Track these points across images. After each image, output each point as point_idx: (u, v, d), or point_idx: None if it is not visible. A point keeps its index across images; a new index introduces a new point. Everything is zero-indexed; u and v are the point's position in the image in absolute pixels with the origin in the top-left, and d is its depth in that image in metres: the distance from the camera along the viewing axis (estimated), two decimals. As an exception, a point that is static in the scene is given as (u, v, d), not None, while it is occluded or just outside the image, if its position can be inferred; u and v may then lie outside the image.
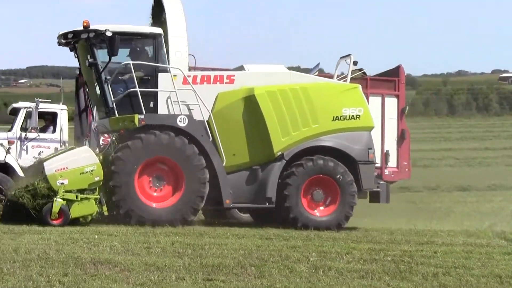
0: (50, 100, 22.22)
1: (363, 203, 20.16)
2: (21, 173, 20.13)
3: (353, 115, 19.14)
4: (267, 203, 18.70)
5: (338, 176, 18.73)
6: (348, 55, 19.93)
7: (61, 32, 18.60)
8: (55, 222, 17.02)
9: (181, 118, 18.28)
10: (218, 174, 18.35)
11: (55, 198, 17.08)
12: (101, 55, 18.45)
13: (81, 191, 17.46)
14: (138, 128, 18.09)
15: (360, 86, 19.60)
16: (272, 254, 13.37)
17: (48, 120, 21.78)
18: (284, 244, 15.05)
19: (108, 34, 17.88)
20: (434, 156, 51.47)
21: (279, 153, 18.72)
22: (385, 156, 22.21)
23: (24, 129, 21.22)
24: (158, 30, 18.72)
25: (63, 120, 21.65)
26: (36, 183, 17.46)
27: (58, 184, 17.27)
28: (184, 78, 18.41)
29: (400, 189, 39.25)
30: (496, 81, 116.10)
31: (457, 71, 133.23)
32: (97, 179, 17.62)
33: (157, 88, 18.44)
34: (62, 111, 21.74)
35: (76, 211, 17.31)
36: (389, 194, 19.87)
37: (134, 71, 18.21)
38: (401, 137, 22.62)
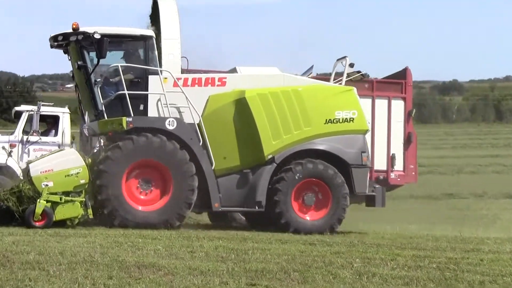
0: (53, 104, 22.37)
1: (408, 208, 19.79)
2: (22, 176, 20.29)
3: (346, 118, 18.80)
4: (257, 207, 18.45)
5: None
6: (344, 57, 19.63)
7: (52, 35, 18.62)
8: (37, 224, 16.90)
9: (169, 121, 18.12)
10: (207, 177, 18.16)
11: (38, 200, 17.07)
12: (93, 57, 18.43)
13: (67, 193, 17.40)
14: (129, 130, 17.99)
15: (354, 88, 19.22)
16: (316, 260, 13.12)
17: (50, 124, 21.93)
18: (328, 249, 14.77)
19: (97, 36, 17.83)
20: (480, 162, 50.74)
21: (269, 157, 18.45)
22: (391, 159, 21.93)
23: (26, 132, 21.40)
24: (148, 32, 18.62)
25: (65, 123, 21.76)
26: (21, 185, 17.49)
27: (43, 186, 17.24)
28: (175, 80, 18.29)
29: (446, 195, 38.79)
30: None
31: (504, 77, 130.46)
32: (82, 181, 17.52)
33: (147, 90, 18.35)
34: (64, 115, 21.86)
35: (60, 213, 17.22)
36: (384, 198, 19.46)
37: (125, 74, 18.16)
38: (407, 140, 22.31)
